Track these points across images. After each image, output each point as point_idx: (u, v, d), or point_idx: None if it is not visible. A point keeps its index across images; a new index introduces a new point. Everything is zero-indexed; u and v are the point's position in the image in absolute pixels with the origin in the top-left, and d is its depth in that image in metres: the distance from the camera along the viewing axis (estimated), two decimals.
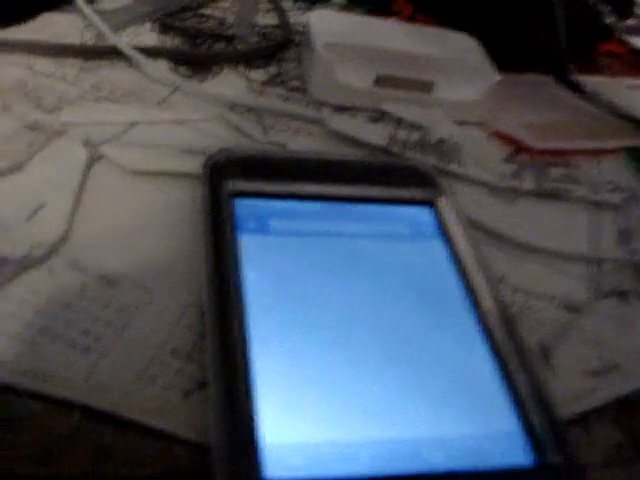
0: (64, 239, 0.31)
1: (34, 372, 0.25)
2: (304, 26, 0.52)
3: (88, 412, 0.24)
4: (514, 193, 0.41)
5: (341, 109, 0.46)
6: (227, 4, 0.56)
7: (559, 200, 0.41)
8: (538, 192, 0.41)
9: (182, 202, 0.34)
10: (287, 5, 0.59)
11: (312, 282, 0.29)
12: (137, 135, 0.39)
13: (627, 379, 0.30)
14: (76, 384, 0.25)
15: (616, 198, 0.42)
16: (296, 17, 0.57)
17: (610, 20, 0.58)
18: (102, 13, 0.49)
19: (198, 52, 0.49)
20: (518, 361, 0.27)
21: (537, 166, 0.44)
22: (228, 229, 0.30)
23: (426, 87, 0.47)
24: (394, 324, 0.28)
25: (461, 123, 0.46)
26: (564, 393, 0.29)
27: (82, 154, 0.36)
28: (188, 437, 0.24)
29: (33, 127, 0.37)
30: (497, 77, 0.46)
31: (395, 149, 0.42)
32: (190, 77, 0.46)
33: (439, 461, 0.23)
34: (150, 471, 0.23)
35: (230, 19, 0.54)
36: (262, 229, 0.31)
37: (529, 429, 0.25)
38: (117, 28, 0.48)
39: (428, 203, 0.34)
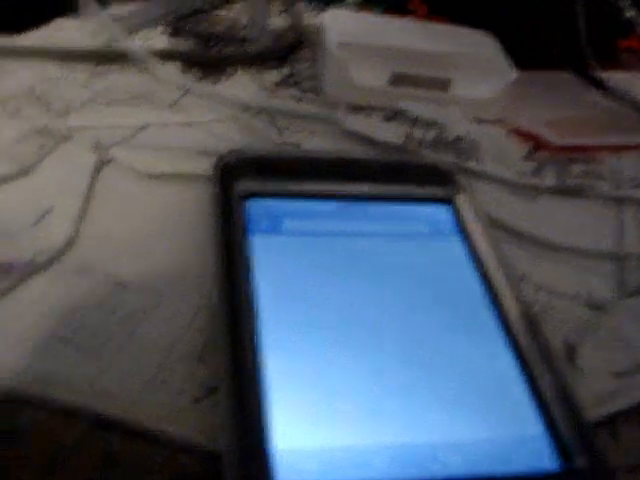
0: (71, 243, 0.30)
1: (40, 378, 0.25)
2: (318, 27, 0.51)
3: (95, 419, 0.24)
4: (535, 190, 0.40)
5: (356, 109, 0.45)
6: (239, 7, 0.56)
7: (580, 197, 0.40)
8: (559, 189, 0.40)
9: (194, 204, 0.34)
10: (300, 7, 0.58)
11: (326, 283, 0.28)
12: (148, 138, 0.38)
13: None
14: (83, 390, 0.24)
15: None
16: (309, 19, 0.56)
17: (630, 15, 0.57)
18: (114, 18, 0.49)
19: (210, 54, 0.48)
20: (542, 362, 0.26)
21: (558, 163, 0.43)
22: (239, 230, 0.29)
23: (443, 85, 0.46)
24: (412, 325, 0.27)
25: (479, 121, 0.45)
26: (590, 395, 0.28)
27: (91, 157, 0.35)
28: (198, 443, 0.23)
29: (42, 131, 0.37)
30: (514, 74, 0.45)
31: (411, 147, 0.41)
32: (202, 79, 0.45)
33: (460, 466, 0.22)
34: (158, 479, 0.22)
35: (242, 22, 0.54)
36: (274, 230, 0.30)
37: (555, 433, 0.24)
38: (129, 32, 0.48)
39: (446, 201, 0.33)
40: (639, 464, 0.26)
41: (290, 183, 0.32)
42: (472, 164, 0.40)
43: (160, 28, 0.50)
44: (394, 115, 0.45)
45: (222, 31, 0.52)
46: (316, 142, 0.41)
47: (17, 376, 0.24)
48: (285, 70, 0.49)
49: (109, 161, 0.36)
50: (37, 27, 0.48)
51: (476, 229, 0.32)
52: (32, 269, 0.29)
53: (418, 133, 0.43)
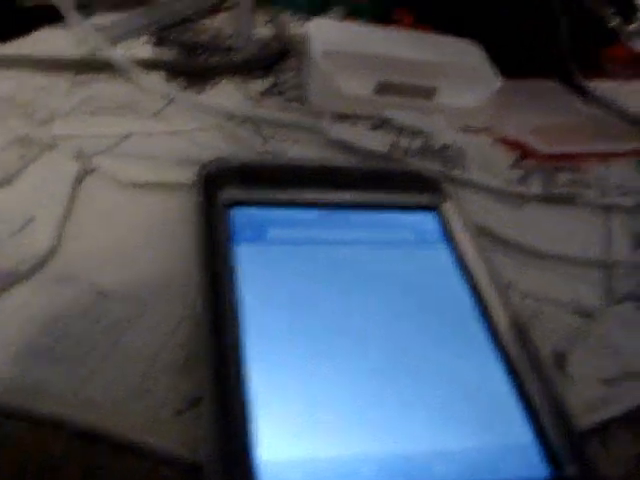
0: (53, 252, 0.30)
1: (23, 388, 0.24)
2: (303, 36, 0.51)
3: (78, 431, 0.23)
4: (521, 199, 0.40)
5: (341, 118, 0.44)
6: (224, 17, 0.56)
7: (567, 205, 0.40)
8: (546, 197, 0.40)
9: (178, 213, 0.33)
10: (285, 17, 0.58)
11: (312, 292, 0.27)
12: (131, 147, 0.38)
13: None
14: (65, 400, 0.24)
15: (628, 201, 0.41)
16: (295, 29, 0.56)
17: (614, 24, 0.57)
18: (97, 28, 0.48)
19: (194, 63, 0.48)
20: (531, 370, 0.26)
21: (544, 171, 0.42)
22: (223, 239, 0.29)
23: (428, 93, 0.46)
24: (399, 334, 0.26)
25: (465, 129, 0.45)
26: (580, 402, 0.27)
27: (74, 166, 0.35)
28: (180, 455, 0.23)
29: (25, 140, 0.36)
30: (500, 82, 0.45)
31: (397, 156, 0.41)
32: (186, 89, 0.45)
33: (449, 476, 0.22)
34: None
35: (227, 31, 0.54)
36: (259, 238, 0.29)
37: (544, 441, 0.23)
38: (112, 42, 0.47)
39: (432, 208, 0.33)
40: (629, 472, 0.25)
41: (274, 191, 0.32)
42: (458, 172, 0.40)
43: (144, 38, 0.50)
44: (380, 124, 0.44)
45: (207, 40, 0.52)
46: (301, 151, 0.41)
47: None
48: (270, 79, 0.48)
49: (92, 170, 0.35)
50: (20, 36, 0.47)
51: (463, 237, 0.31)
52: (14, 278, 0.28)
53: (404, 142, 0.43)
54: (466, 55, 0.48)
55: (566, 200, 0.40)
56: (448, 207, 0.33)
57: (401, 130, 0.44)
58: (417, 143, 0.43)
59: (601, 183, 0.42)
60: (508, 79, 0.46)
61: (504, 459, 0.22)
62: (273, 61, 0.50)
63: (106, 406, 0.24)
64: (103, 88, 0.43)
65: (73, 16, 0.48)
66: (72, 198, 0.33)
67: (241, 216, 0.30)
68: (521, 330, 0.27)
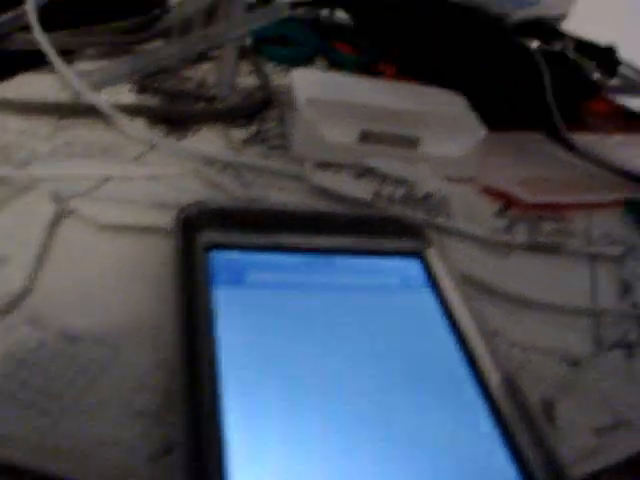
0: (24, 295, 0.29)
1: None
2: (286, 86, 0.51)
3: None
4: (507, 247, 0.39)
5: (324, 166, 0.44)
6: (208, 67, 0.56)
7: (553, 254, 0.40)
8: (531, 245, 0.39)
9: (153, 257, 0.33)
10: (269, 68, 0.58)
11: (292, 339, 0.27)
12: (110, 190, 0.37)
13: (638, 436, 0.28)
14: (30, 448, 0.23)
15: (616, 250, 0.41)
16: (278, 79, 0.56)
17: (597, 77, 0.58)
18: (81, 73, 0.48)
19: (177, 110, 0.48)
20: (520, 420, 0.25)
21: (529, 220, 0.42)
22: (201, 283, 0.28)
23: (412, 143, 0.45)
24: (382, 384, 0.25)
25: (449, 179, 0.45)
26: (571, 452, 0.26)
27: (50, 208, 0.34)
28: None
29: (2, 181, 0.36)
30: (484, 132, 0.45)
31: (380, 204, 0.40)
32: (168, 135, 0.44)
33: None
34: None
35: (211, 80, 0.53)
36: (238, 282, 0.29)
37: None
38: (96, 87, 0.47)
39: (416, 254, 0.32)
40: None
41: (255, 235, 0.31)
42: (442, 220, 0.40)
43: (128, 84, 0.50)
44: (364, 172, 0.44)
45: (190, 89, 0.51)
46: (284, 197, 0.40)
47: None
48: (253, 128, 0.48)
49: (70, 212, 0.34)
50: (4, 80, 0.47)
51: (447, 283, 0.31)
52: None
53: (387, 190, 0.42)
54: (450, 105, 0.48)
55: (551, 249, 0.40)
56: (432, 253, 0.32)
57: (384, 178, 0.44)
58: (400, 191, 0.42)
59: (586, 233, 0.42)
60: (493, 132, 0.46)
61: None
62: (256, 110, 0.50)
63: (75, 455, 0.23)
64: (86, 133, 0.43)
65: (58, 61, 0.47)
66: (47, 240, 0.32)
67: (220, 259, 0.29)
68: (509, 379, 0.26)
